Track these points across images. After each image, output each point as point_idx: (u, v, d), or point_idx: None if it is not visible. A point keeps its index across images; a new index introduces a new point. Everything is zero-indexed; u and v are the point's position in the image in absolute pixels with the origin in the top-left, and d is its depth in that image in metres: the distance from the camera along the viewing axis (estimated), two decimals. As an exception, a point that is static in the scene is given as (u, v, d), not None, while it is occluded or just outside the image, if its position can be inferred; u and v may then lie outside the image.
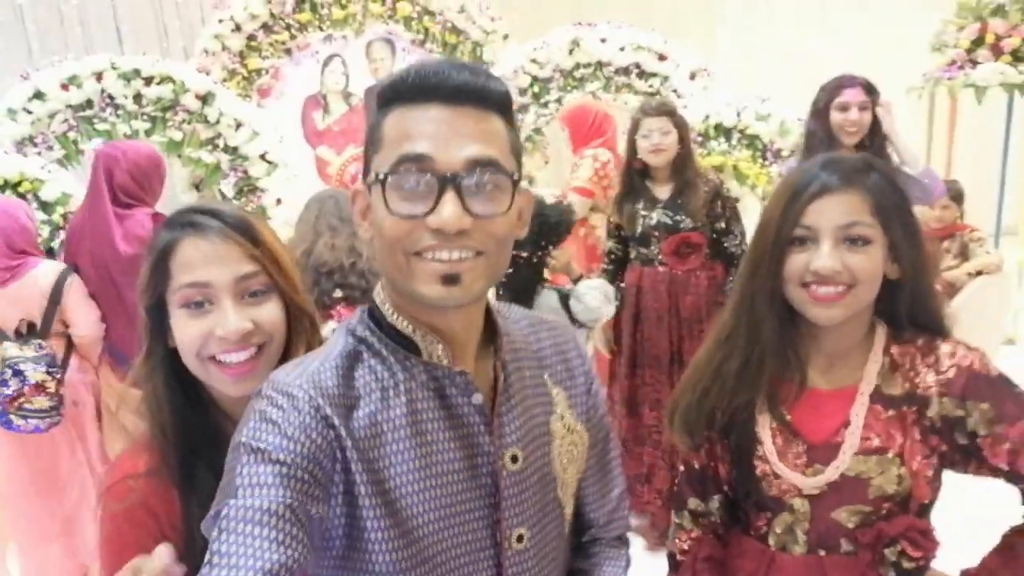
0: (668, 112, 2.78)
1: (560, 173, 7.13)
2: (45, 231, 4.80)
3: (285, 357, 1.02)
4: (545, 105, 5.78)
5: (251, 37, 6.02)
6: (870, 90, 2.64)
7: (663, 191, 2.83)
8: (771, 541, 1.22)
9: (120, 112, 5.38)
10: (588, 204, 4.08)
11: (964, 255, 3.68)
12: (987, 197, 5.49)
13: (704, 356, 1.30)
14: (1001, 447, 1.04)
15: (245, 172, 5.60)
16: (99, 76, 5.28)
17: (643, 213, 2.81)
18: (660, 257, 2.79)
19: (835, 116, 2.64)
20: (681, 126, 2.80)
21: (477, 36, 6.18)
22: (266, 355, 1.00)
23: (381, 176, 0.80)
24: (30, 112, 5.17)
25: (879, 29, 7.10)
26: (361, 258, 2.44)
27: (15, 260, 2.61)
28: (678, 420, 1.30)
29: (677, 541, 1.36)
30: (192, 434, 0.97)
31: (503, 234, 0.82)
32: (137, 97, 5.37)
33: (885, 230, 1.11)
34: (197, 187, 6.08)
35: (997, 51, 4.34)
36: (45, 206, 4.80)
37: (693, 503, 1.34)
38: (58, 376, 2.50)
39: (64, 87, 5.22)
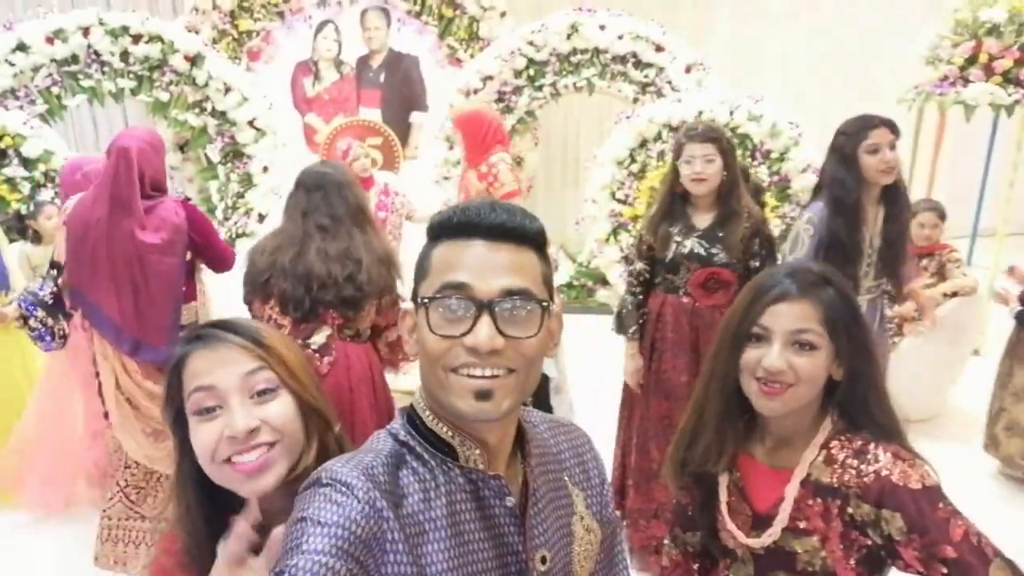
0: (714, 138, 2.54)
1: (551, 157, 7.15)
2: (25, 188, 4.73)
3: (299, 457, 1.03)
4: (539, 88, 5.76)
5: (243, -3, 5.91)
6: (893, 128, 2.54)
7: (703, 219, 2.62)
8: None
9: (106, 69, 5.26)
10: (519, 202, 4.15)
11: (941, 275, 3.78)
12: (966, 201, 5.63)
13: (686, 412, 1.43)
14: (911, 553, 1.11)
15: (232, 137, 5.53)
16: (86, 31, 5.14)
17: (677, 239, 2.60)
18: (686, 287, 2.61)
19: (867, 160, 2.51)
20: (727, 152, 2.56)
21: (474, 11, 6.12)
22: (278, 451, 1.02)
23: (426, 300, 0.88)
24: (12, 64, 5.03)
25: (869, 34, 7.13)
26: (359, 265, 2.25)
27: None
28: (666, 463, 1.45)
29: (664, 558, 1.55)
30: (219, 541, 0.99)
31: (533, 354, 0.89)
32: (124, 55, 5.25)
33: (831, 338, 1.22)
34: (182, 148, 6.00)
35: (989, 71, 4.40)
36: (27, 162, 4.72)
37: (677, 531, 1.52)
38: (35, 313, 2.72)
39: (49, 40, 5.08)
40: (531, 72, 5.70)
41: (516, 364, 0.87)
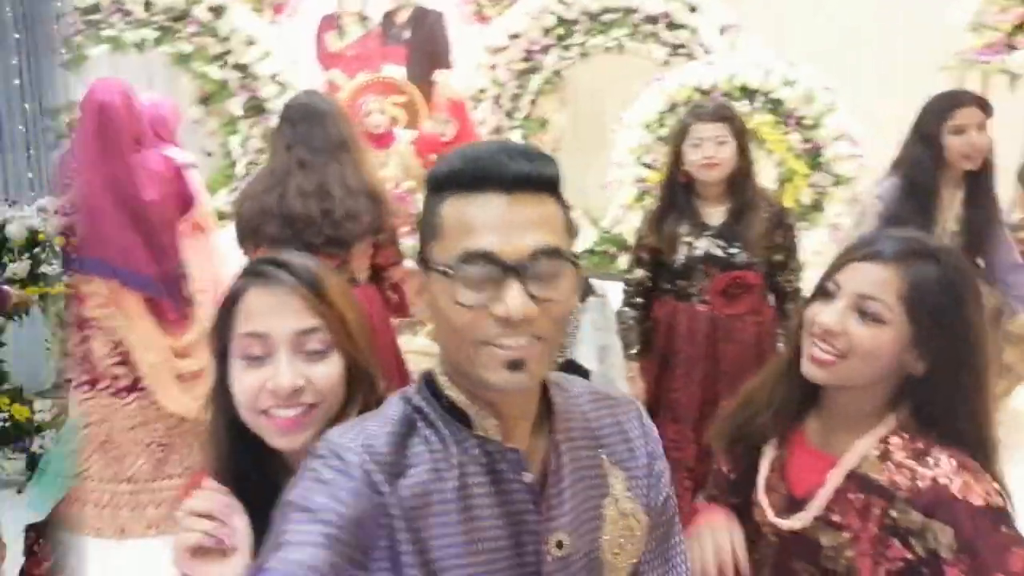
0: (726, 117, 2.24)
1: (578, 119, 7.01)
2: None
3: (338, 418, 1.00)
4: (568, 48, 5.62)
5: (267, -53, 5.79)
6: (984, 107, 2.32)
7: (715, 214, 2.29)
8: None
9: (129, 19, 5.18)
10: None
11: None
12: (1006, 172, 5.47)
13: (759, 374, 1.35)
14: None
15: (254, 92, 5.46)
16: (108, -21, 5.07)
17: (687, 240, 2.29)
18: (703, 295, 2.29)
19: (951, 141, 2.28)
20: (741, 134, 2.25)
21: (502, -32, 5.95)
22: (315, 415, 0.99)
23: (446, 270, 0.81)
24: (34, 12, 4.98)
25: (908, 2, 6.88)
26: (333, 200, 2.12)
27: None
28: (716, 425, 1.39)
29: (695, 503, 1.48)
30: (249, 487, 0.97)
31: (562, 317, 0.83)
32: (147, 4, 5.18)
33: (910, 319, 1.08)
34: (204, 103, 5.94)
35: (1037, 38, 4.24)
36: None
37: (712, 491, 1.44)
38: None
39: (71, -12, 5.02)
40: (560, 31, 5.56)
41: (545, 331, 0.81)
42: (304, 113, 2.23)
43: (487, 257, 0.79)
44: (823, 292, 1.15)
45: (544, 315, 0.80)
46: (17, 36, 5.04)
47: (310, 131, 2.19)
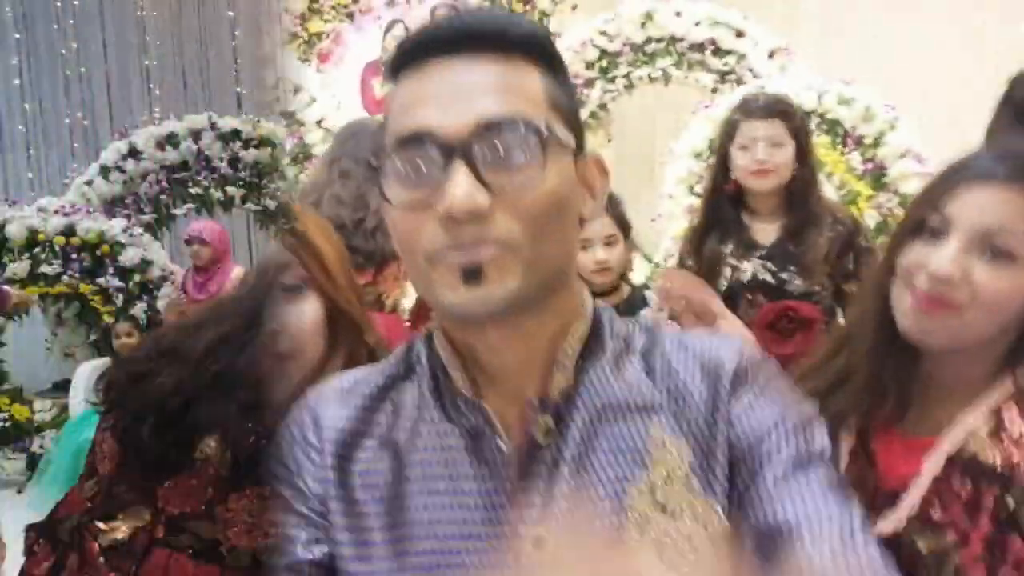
0: (782, 112, 1.90)
1: (624, 153, 6.90)
2: (119, 299, 4.41)
3: (320, 368, 0.91)
4: (612, 80, 5.55)
5: (313, -1, 5.95)
6: None
7: (766, 232, 1.93)
8: None
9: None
10: None
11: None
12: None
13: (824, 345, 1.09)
14: None
15: (301, 138, 5.54)
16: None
17: (732, 262, 1.93)
18: (749, 329, 1.83)
19: None
20: (800, 133, 1.91)
21: (544, 5, 5.97)
22: (292, 366, 0.92)
23: (375, 162, 0.65)
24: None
25: (976, 16, 6.61)
26: (368, 210, 2.00)
27: None
28: None
29: None
30: None
31: (537, 212, 0.60)
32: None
33: None
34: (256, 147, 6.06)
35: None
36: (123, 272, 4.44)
37: None
38: None
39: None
40: (604, 64, 5.49)
41: (509, 232, 0.59)
42: (353, 129, 2.20)
43: (424, 136, 0.60)
44: (928, 230, 0.89)
45: (506, 209, 0.59)
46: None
47: (356, 144, 2.09)
